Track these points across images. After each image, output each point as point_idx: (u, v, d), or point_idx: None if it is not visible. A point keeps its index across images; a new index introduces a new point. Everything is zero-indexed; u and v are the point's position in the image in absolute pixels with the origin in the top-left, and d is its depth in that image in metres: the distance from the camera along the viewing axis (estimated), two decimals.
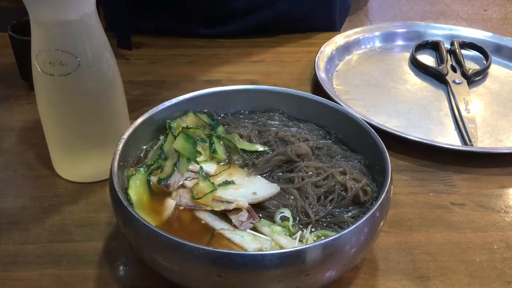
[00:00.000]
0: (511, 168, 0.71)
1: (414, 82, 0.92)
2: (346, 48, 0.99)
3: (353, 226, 0.44)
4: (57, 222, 0.60)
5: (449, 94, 0.87)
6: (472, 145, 0.74)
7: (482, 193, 0.67)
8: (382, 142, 0.56)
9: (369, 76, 0.93)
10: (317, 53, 0.93)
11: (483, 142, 0.76)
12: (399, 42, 1.05)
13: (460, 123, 0.79)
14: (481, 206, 0.65)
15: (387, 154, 0.54)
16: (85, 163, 0.65)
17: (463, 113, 0.81)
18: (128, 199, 0.51)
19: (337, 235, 0.44)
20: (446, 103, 0.85)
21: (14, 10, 0.88)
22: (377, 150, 0.55)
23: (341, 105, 0.67)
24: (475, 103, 0.85)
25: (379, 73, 0.94)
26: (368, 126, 0.58)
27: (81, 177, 0.66)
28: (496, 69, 0.96)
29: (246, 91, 0.66)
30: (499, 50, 1.00)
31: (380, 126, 0.73)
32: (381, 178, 0.53)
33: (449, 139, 0.77)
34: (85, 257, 0.56)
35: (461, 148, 0.74)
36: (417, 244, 0.59)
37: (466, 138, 0.76)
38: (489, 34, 1.03)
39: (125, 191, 0.52)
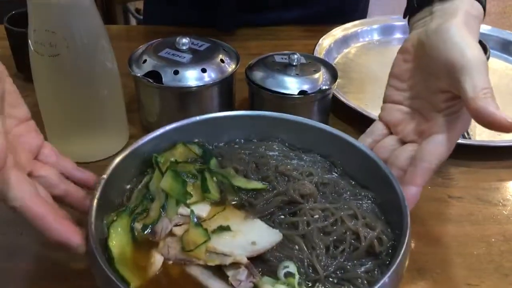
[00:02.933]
0: (509, 161, 0.70)
1: None
2: (344, 41, 0.98)
3: None
4: None
5: None
6: (470, 138, 0.74)
7: (479, 186, 0.66)
8: (394, 176, 0.50)
9: (367, 70, 0.92)
10: (315, 46, 0.92)
11: (481, 135, 0.75)
12: (398, 35, 1.03)
13: None
14: (479, 199, 0.64)
15: (403, 194, 0.47)
16: (78, 143, 0.66)
17: None
18: (108, 252, 0.44)
19: None
20: None
21: (10, 1, 0.87)
22: (389, 186, 0.49)
23: (345, 133, 0.57)
24: None
25: (378, 66, 0.93)
26: (377, 157, 0.52)
27: (74, 156, 0.65)
28: (494, 63, 0.95)
29: (241, 117, 0.59)
30: (498, 43, 0.98)
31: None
32: (395, 218, 0.47)
33: None
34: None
35: (459, 141, 0.73)
36: (415, 237, 0.57)
37: (464, 131, 0.75)
38: (488, 27, 1.02)
39: (105, 241, 0.45)
